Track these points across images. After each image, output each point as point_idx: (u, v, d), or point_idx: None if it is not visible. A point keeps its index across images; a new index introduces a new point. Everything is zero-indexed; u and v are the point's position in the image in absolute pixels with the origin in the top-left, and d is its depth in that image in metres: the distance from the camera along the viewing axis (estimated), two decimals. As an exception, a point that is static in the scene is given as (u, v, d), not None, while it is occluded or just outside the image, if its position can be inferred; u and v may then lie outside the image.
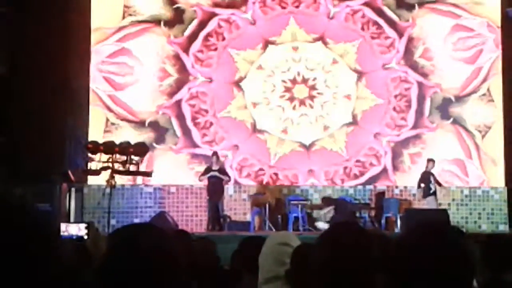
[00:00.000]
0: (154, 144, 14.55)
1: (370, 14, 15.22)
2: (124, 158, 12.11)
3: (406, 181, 14.79)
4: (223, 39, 15.05)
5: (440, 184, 14.07)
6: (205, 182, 13.89)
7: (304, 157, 14.89)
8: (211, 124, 14.89)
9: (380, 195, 14.90)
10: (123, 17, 14.91)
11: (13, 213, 1.70)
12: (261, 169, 14.88)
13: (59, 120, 13.76)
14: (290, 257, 3.04)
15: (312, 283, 2.26)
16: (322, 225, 13.85)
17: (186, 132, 14.84)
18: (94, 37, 14.79)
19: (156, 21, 14.94)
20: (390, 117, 15.07)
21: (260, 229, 14.13)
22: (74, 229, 8.47)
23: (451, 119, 15.04)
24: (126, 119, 14.77)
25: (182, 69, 14.95)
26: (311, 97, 15.03)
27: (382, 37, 15.18)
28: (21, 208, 1.71)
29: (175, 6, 15.04)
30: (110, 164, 11.93)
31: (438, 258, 1.93)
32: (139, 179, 14.34)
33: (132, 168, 11.90)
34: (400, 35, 15.19)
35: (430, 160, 13.98)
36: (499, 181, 14.99)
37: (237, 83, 15.00)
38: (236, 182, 14.68)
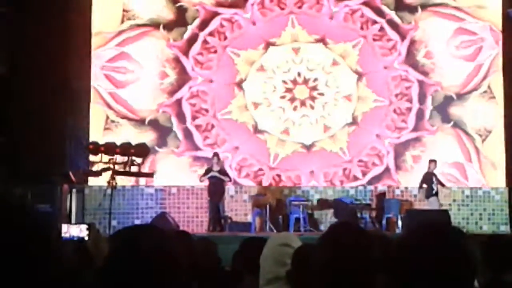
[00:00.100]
0: (156, 148, 14.57)
1: (370, 14, 15.21)
2: (125, 159, 12.11)
3: (409, 180, 14.79)
4: (225, 38, 15.05)
5: (442, 185, 14.07)
6: (206, 183, 13.89)
7: (306, 158, 14.89)
8: (213, 126, 14.89)
9: (381, 195, 14.90)
10: (122, 21, 14.91)
11: (13, 214, 1.70)
12: (260, 169, 14.88)
13: (59, 120, 13.75)
14: (291, 258, 3.04)
15: (313, 283, 2.26)
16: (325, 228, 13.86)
17: (188, 135, 14.84)
18: (94, 41, 14.79)
19: (155, 25, 14.94)
20: (391, 119, 15.07)
21: (261, 230, 14.13)
22: (75, 230, 8.46)
23: (452, 123, 15.04)
24: (126, 117, 14.78)
25: (182, 72, 14.95)
26: (312, 98, 15.03)
27: (384, 39, 15.18)
28: (21, 208, 1.71)
29: (178, 5, 15.04)
30: (111, 165, 11.93)
31: (439, 258, 1.93)
32: (142, 180, 14.33)
33: (134, 169, 11.90)
34: (403, 37, 15.19)
35: (432, 161, 13.98)
36: (499, 184, 15.00)
37: (238, 85, 15.01)
38: (235, 182, 14.67)
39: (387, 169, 14.98)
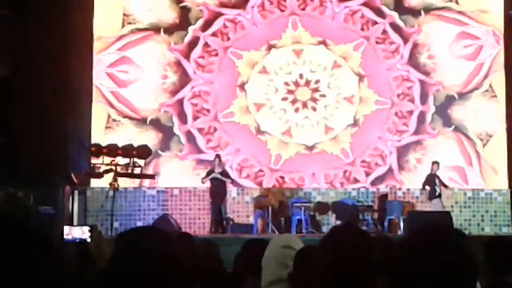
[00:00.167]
0: (159, 151, 14.58)
1: (370, 14, 15.21)
2: (127, 160, 12.12)
3: (412, 180, 14.78)
4: (228, 39, 15.06)
5: (446, 186, 14.07)
6: (207, 184, 13.89)
7: (309, 160, 14.89)
8: (215, 129, 14.89)
9: (383, 197, 14.89)
10: (123, 26, 14.91)
11: (15, 216, 1.71)
12: (260, 170, 14.88)
13: (60, 122, 13.72)
14: (293, 260, 3.04)
15: (314, 286, 2.27)
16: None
17: (191, 138, 14.84)
18: (95, 46, 14.78)
19: (155, 29, 14.94)
20: (392, 122, 15.07)
21: (263, 231, 14.12)
22: (77, 232, 8.46)
23: (453, 126, 15.04)
24: (128, 116, 14.77)
25: (184, 75, 14.95)
26: (314, 100, 15.03)
27: (387, 42, 15.18)
28: (23, 210, 1.72)
29: (181, 5, 15.04)
30: (113, 167, 11.93)
31: (441, 260, 1.93)
32: (146, 182, 14.33)
33: (136, 170, 11.91)
34: (405, 40, 15.19)
35: (435, 163, 13.98)
36: (500, 188, 15.02)
37: (240, 86, 15.01)
38: (236, 183, 14.64)
39: (390, 170, 14.97)
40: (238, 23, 15.13)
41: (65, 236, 8.42)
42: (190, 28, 15.03)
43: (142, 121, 14.77)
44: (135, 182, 14.00)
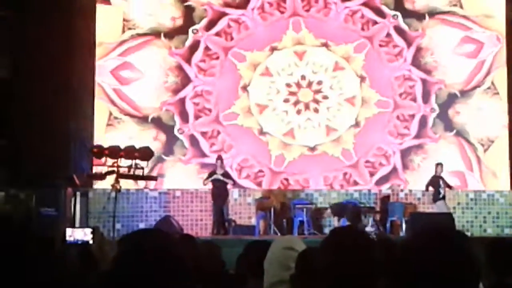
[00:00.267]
0: (163, 156, 14.58)
1: (370, 14, 15.22)
2: (129, 162, 12.12)
3: (416, 179, 14.78)
4: (232, 39, 15.06)
5: (450, 187, 14.09)
6: (209, 186, 13.89)
7: (313, 161, 14.89)
8: (219, 132, 14.88)
9: (385, 199, 14.89)
10: (123, 31, 14.91)
11: (16, 217, 1.72)
12: (260, 171, 14.88)
13: (62, 123, 13.70)
14: (295, 262, 3.04)
15: (316, 287, 2.27)
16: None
17: (194, 142, 14.82)
18: (96, 52, 14.78)
19: (156, 33, 14.93)
20: (393, 126, 15.07)
21: (265, 233, 14.12)
22: (79, 234, 8.47)
23: (454, 131, 15.04)
24: (129, 114, 14.77)
25: (186, 80, 14.95)
26: (316, 101, 15.03)
27: (391, 45, 15.19)
28: (24, 212, 1.72)
29: (186, 4, 15.05)
30: (115, 168, 11.94)
31: (443, 262, 1.93)
32: (150, 184, 14.31)
33: (138, 172, 11.91)
34: (409, 44, 15.20)
35: (439, 164, 13.99)
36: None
37: (242, 88, 15.01)
38: (236, 184, 14.62)
39: (394, 169, 14.97)
40: (242, 23, 15.14)
41: (67, 238, 8.43)
42: (191, 32, 14.99)
43: (143, 119, 14.77)
44: (138, 183, 13.99)
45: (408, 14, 15.24)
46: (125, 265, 1.90)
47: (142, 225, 14.12)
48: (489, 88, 15.18)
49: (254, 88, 15.00)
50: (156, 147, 14.11)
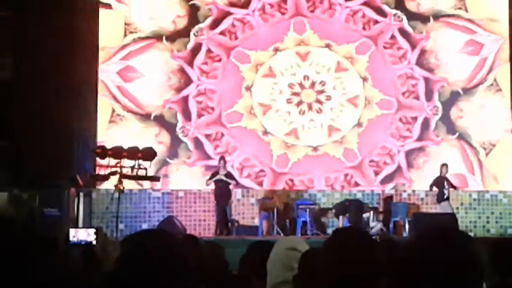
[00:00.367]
0: (168, 159, 14.58)
1: (371, 14, 15.23)
2: (132, 162, 12.15)
3: (421, 178, 14.77)
4: (236, 38, 15.06)
5: (455, 188, 14.09)
6: (212, 186, 13.90)
7: (317, 162, 14.88)
8: (222, 135, 14.87)
9: (388, 199, 14.88)
10: (125, 35, 14.91)
11: (19, 218, 1.72)
12: (261, 171, 14.88)
13: (65, 123, 13.70)
14: (298, 262, 3.04)
15: (319, 287, 2.27)
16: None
17: (198, 144, 14.81)
18: (99, 56, 14.79)
19: (157, 37, 14.94)
20: (396, 128, 15.06)
21: (268, 233, 14.12)
22: (83, 235, 8.48)
23: (457, 134, 15.03)
24: (132, 111, 14.77)
25: (188, 83, 14.94)
26: (319, 101, 15.03)
27: (395, 48, 15.18)
28: (27, 212, 1.73)
29: (191, 3, 15.06)
30: (118, 169, 11.96)
31: (446, 262, 1.93)
32: (156, 185, 14.32)
33: (141, 173, 11.94)
34: (413, 46, 15.19)
35: (444, 165, 13.98)
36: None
37: (245, 89, 15.01)
38: (239, 184, 14.62)
39: (399, 168, 14.96)
40: (247, 23, 15.15)
41: (70, 239, 8.44)
42: (192, 34, 14.97)
43: (146, 117, 14.77)
44: (141, 184, 14.01)
45: (412, 16, 15.24)
46: (129, 265, 1.90)
47: (145, 226, 14.12)
48: (491, 85, 15.19)
49: (257, 89, 15.00)
50: (161, 150, 14.13)
